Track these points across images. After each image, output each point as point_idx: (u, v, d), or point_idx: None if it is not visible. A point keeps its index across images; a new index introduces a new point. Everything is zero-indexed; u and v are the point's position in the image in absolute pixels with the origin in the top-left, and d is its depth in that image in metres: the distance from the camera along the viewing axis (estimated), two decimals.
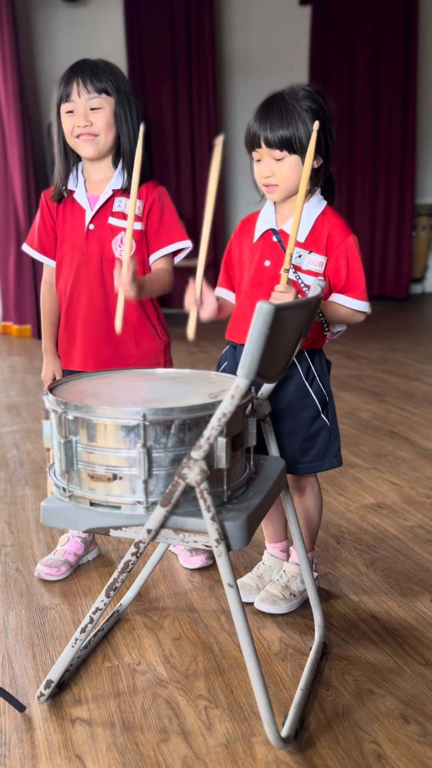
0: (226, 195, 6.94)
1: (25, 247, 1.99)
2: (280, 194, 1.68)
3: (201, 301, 1.61)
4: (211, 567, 2.05)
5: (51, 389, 1.44)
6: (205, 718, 1.45)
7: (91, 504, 1.35)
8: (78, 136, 1.82)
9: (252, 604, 1.82)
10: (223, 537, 1.28)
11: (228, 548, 1.29)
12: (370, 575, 1.99)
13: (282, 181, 1.65)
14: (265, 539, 1.96)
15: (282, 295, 1.53)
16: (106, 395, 1.45)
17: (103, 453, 1.32)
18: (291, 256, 1.53)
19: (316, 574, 1.88)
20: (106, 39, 6.27)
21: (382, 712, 1.45)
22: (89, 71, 1.79)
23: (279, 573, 1.89)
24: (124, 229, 1.85)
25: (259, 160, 1.67)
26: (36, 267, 5.80)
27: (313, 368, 1.73)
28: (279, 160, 1.63)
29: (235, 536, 1.29)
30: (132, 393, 1.49)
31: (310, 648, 1.65)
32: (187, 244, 1.90)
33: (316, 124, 1.50)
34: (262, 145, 1.63)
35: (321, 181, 1.70)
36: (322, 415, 1.75)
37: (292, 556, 1.91)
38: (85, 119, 1.80)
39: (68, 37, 6.22)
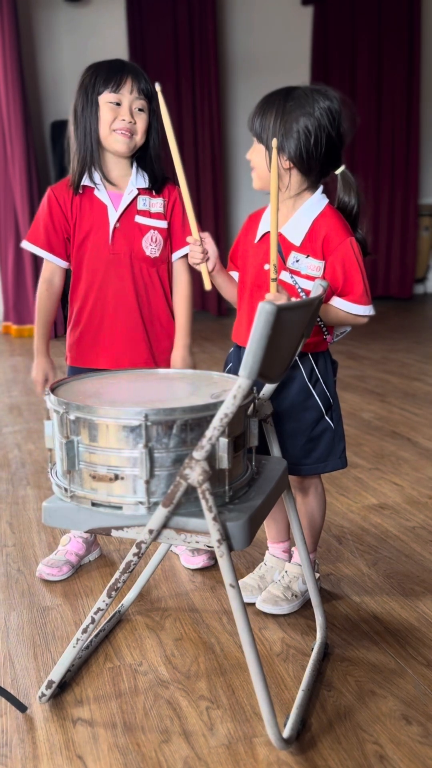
0: (227, 195, 6.93)
1: (27, 245, 1.94)
2: (256, 180, 1.70)
3: (204, 250, 1.68)
4: (212, 567, 2.05)
5: (53, 389, 1.44)
6: (207, 718, 1.45)
7: (93, 504, 1.35)
8: (115, 130, 1.83)
9: (254, 604, 1.82)
10: (225, 537, 1.28)
11: (230, 549, 1.29)
12: (372, 576, 1.99)
13: (255, 165, 1.68)
14: (267, 540, 1.96)
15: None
16: (108, 395, 1.45)
17: (104, 453, 1.32)
18: (275, 266, 1.50)
19: (317, 575, 1.88)
20: (108, 39, 6.27)
21: (384, 713, 1.45)
22: (139, 73, 1.84)
23: (281, 573, 1.89)
24: (153, 228, 1.91)
25: None
26: (38, 267, 5.79)
27: (316, 370, 1.72)
28: (253, 141, 1.67)
29: (236, 537, 1.29)
30: (134, 393, 1.49)
31: (312, 648, 1.65)
32: None
33: (274, 141, 1.52)
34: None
35: (318, 181, 1.68)
36: (326, 417, 1.74)
37: (294, 557, 1.91)
38: (130, 116, 1.82)
39: (70, 37, 6.22)
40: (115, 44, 6.28)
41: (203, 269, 1.70)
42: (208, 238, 1.69)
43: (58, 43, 6.23)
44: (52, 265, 1.95)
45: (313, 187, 1.69)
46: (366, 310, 1.66)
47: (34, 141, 5.88)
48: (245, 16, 6.70)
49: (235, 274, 1.82)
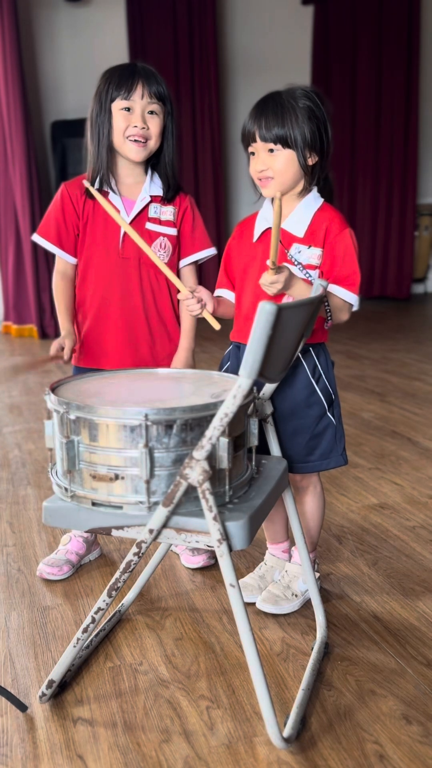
0: (227, 195, 6.93)
1: (38, 239, 1.95)
2: (275, 188, 1.67)
3: (199, 299, 1.67)
4: (212, 567, 2.05)
5: (53, 389, 1.44)
6: (207, 718, 1.45)
7: (93, 504, 1.35)
8: (129, 137, 1.83)
9: (254, 604, 1.82)
10: (225, 537, 1.28)
11: (230, 548, 1.29)
12: (372, 575, 1.99)
13: (276, 173, 1.65)
14: (266, 541, 1.96)
15: (271, 287, 1.55)
16: (108, 395, 1.45)
17: (105, 453, 1.32)
18: (276, 251, 1.51)
19: (317, 575, 1.88)
20: (109, 39, 6.27)
21: (384, 712, 1.45)
22: (151, 76, 1.83)
23: (281, 573, 1.89)
24: (162, 234, 1.93)
25: (254, 154, 1.68)
26: (38, 267, 5.80)
27: (319, 366, 1.73)
28: (271, 151, 1.64)
29: (237, 536, 1.29)
30: (134, 393, 1.49)
31: (312, 648, 1.65)
32: (213, 251, 2.02)
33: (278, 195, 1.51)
34: (257, 139, 1.65)
35: (316, 179, 1.70)
36: (328, 413, 1.75)
37: (294, 557, 1.91)
38: (143, 122, 1.82)
39: (70, 37, 6.22)
40: (115, 44, 6.28)
41: (206, 315, 1.70)
42: (198, 288, 1.69)
43: (58, 43, 6.22)
44: (63, 259, 1.96)
45: (309, 188, 1.71)
46: (356, 300, 1.69)
47: (34, 141, 5.87)
48: (245, 16, 6.70)
49: (225, 292, 1.81)
